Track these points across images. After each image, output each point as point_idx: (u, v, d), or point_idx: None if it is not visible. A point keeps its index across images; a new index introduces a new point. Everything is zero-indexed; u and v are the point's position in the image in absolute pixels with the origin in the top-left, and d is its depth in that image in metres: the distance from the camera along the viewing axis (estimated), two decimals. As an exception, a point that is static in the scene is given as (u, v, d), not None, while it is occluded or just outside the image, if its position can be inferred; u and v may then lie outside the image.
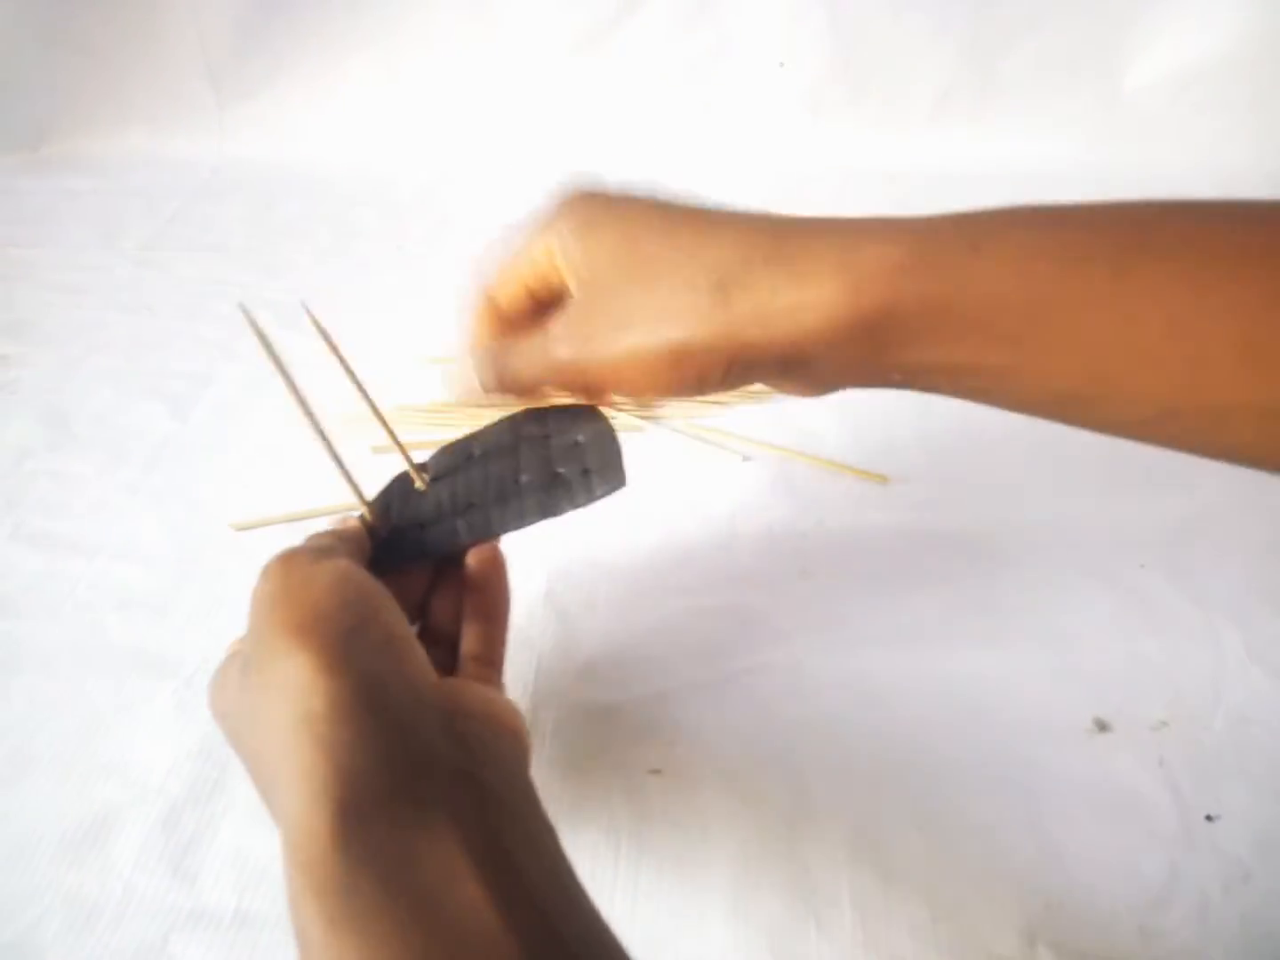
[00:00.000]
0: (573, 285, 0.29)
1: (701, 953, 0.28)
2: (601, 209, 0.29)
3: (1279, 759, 0.33)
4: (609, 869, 0.24)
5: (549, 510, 0.32)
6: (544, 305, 0.31)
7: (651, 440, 0.47)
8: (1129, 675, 0.35)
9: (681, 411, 0.48)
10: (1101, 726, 0.34)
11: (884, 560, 0.40)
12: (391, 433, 0.33)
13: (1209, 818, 0.31)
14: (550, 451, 0.33)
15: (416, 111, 0.76)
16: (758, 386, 0.49)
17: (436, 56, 0.74)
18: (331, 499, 0.44)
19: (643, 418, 0.47)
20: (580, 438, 0.33)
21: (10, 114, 0.76)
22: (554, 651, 0.37)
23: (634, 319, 0.27)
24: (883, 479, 0.44)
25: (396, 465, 0.41)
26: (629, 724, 0.34)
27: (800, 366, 0.26)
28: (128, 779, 0.33)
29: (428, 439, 0.39)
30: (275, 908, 0.26)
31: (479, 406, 0.39)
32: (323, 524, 0.42)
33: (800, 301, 0.25)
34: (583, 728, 0.34)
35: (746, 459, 0.45)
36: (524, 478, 0.33)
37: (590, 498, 0.32)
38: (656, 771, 0.33)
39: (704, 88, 0.73)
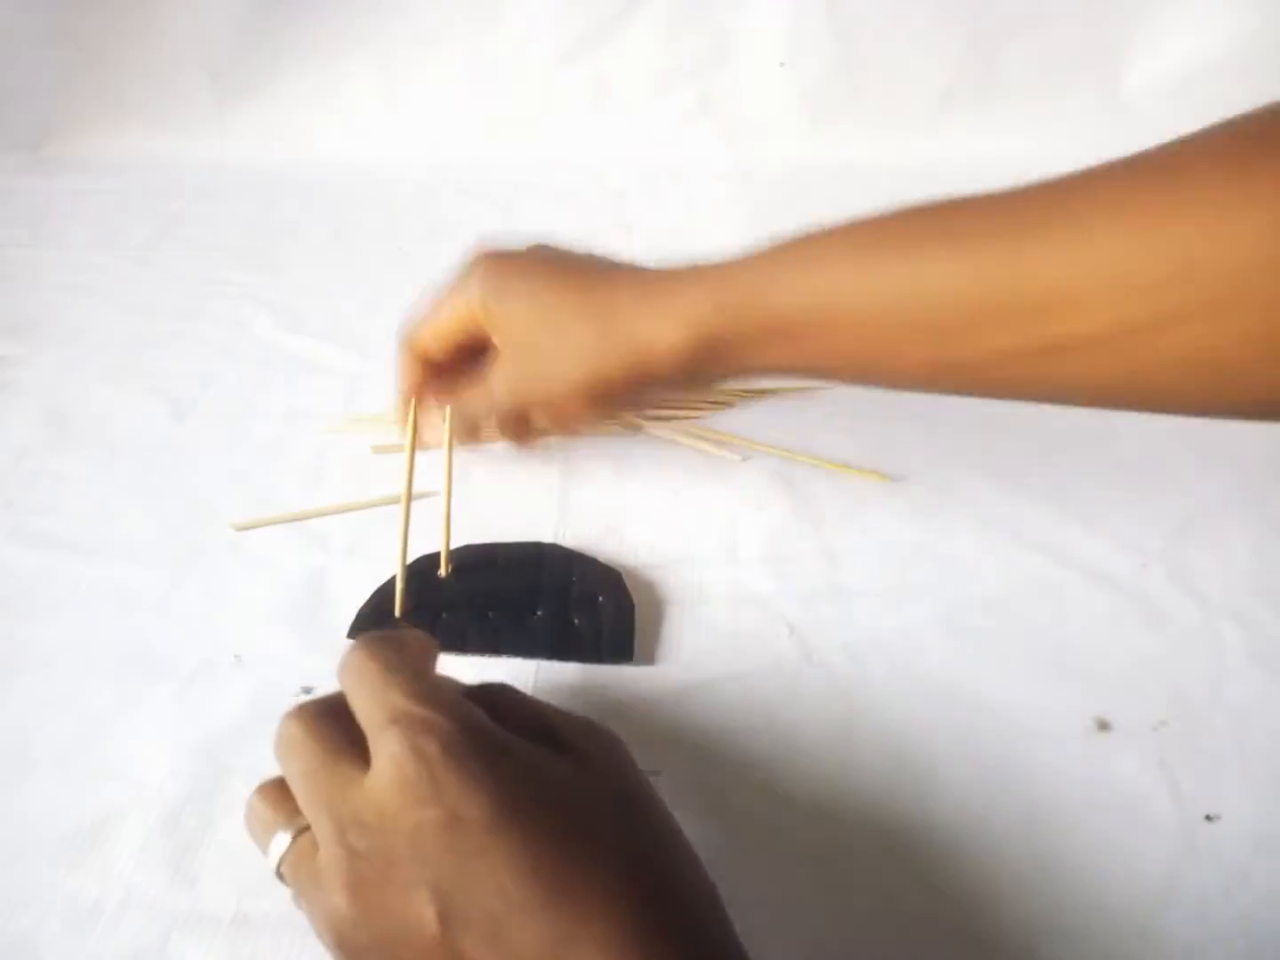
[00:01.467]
0: (497, 340, 0.37)
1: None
2: (510, 275, 0.36)
3: (1279, 759, 0.33)
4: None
5: (555, 655, 0.35)
6: (468, 350, 0.39)
7: (650, 440, 0.47)
8: (1129, 675, 0.35)
9: (681, 412, 0.48)
10: (1102, 726, 0.34)
11: (883, 560, 0.40)
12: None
13: (1209, 818, 0.31)
14: (570, 598, 0.36)
15: (416, 112, 0.76)
16: (758, 385, 0.49)
17: (436, 56, 0.74)
18: (331, 499, 0.44)
19: (642, 417, 0.47)
20: (602, 598, 0.36)
21: (10, 114, 0.76)
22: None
23: (551, 367, 0.36)
24: (883, 479, 0.44)
25: (394, 465, 0.41)
26: (629, 724, 0.34)
27: (681, 378, 0.35)
28: (128, 779, 0.33)
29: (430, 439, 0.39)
30: (275, 908, 0.26)
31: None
32: (323, 524, 0.42)
33: (651, 338, 0.34)
34: (583, 728, 0.34)
35: (746, 459, 0.45)
36: (540, 613, 0.36)
37: (597, 660, 0.35)
38: (656, 772, 0.33)
39: (704, 88, 0.73)
